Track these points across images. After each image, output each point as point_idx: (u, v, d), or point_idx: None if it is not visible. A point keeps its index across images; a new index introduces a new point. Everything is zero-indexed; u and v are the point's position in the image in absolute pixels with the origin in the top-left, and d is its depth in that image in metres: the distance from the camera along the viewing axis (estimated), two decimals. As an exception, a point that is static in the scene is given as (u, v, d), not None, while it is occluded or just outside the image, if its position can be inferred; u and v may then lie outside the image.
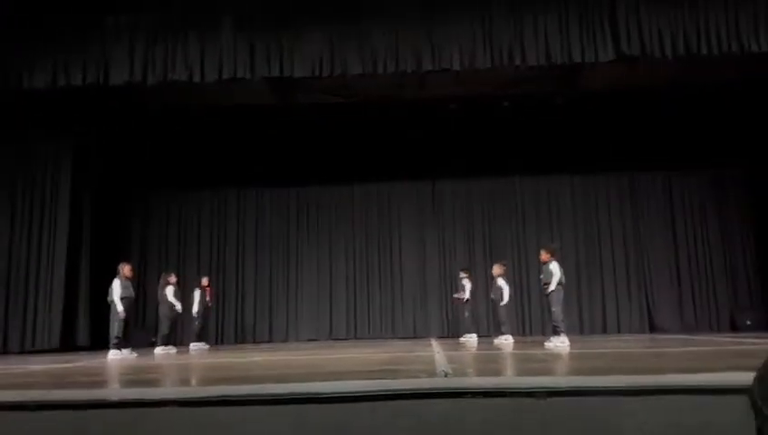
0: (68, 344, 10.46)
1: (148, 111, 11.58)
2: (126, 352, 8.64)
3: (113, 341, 8.61)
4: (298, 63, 8.78)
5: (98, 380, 5.02)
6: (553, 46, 8.60)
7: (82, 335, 10.95)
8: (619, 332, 12.21)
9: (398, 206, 13.35)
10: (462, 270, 11.28)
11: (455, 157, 12.69)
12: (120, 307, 8.74)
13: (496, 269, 10.20)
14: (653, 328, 12.25)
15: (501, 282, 10.01)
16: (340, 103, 11.47)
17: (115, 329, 8.66)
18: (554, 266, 8.23)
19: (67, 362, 7.40)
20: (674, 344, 7.63)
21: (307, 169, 12.94)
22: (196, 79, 8.81)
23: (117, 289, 8.82)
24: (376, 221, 13.31)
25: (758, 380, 0.80)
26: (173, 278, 10.46)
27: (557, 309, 8.13)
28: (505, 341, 9.41)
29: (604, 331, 12.33)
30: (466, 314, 10.83)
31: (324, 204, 13.42)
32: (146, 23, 8.93)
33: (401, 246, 13.15)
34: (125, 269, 9.01)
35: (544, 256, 8.41)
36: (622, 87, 10.95)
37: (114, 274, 9.07)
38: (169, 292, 10.24)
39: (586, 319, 12.55)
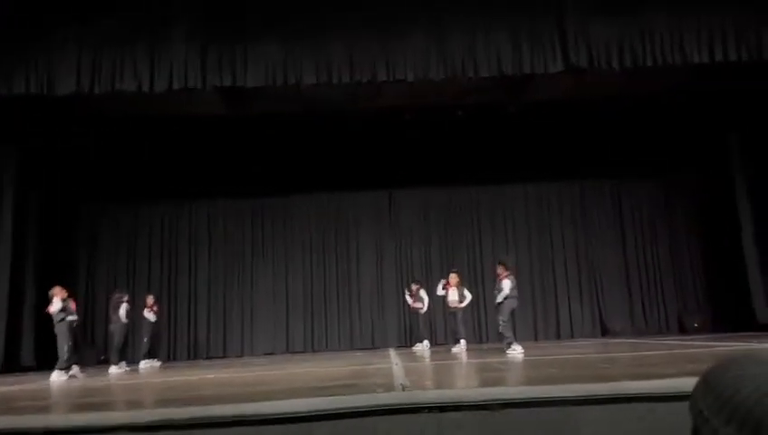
0: (11, 365, 9.97)
1: (96, 121, 11.22)
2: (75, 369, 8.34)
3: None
4: (251, 73, 8.66)
5: (43, 404, 4.79)
6: (504, 58, 8.72)
7: (27, 355, 10.46)
8: (572, 337, 12.42)
9: (354, 216, 13.31)
10: (414, 282, 11.37)
11: (411, 166, 12.72)
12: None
13: (455, 278, 10.27)
14: (605, 332, 12.51)
15: (455, 291, 10.12)
16: (295, 113, 11.37)
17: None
18: (505, 283, 8.44)
19: (12, 384, 7.05)
20: (626, 349, 7.79)
21: (261, 180, 12.76)
22: (145, 89, 8.59)
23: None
24: (332, 232, 13.23)
25: (703, 382, 0.79)
26: (126, 297, 10.17)
27: (504, 320, 8.34)
28: (459, 349, 9.51)
29: (558, 337, 12.53)
30: (421, 323, 10.93)
31: (279, 215, 13.27)
32: (93, 32, 8.66)
33: (358, 256, 13.10)
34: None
35: (500, 271, 8.61)
36: (572, 97, 11.18)
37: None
38: (123, 311, 9.92)
39: (540, 325, 12.74)
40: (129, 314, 10.04)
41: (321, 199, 13.33)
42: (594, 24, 8.56)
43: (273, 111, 11.34)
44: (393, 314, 12.75)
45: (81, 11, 8.63)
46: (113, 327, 9.97)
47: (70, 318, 8.94)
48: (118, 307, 9.95)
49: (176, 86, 8.57)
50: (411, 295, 11.16)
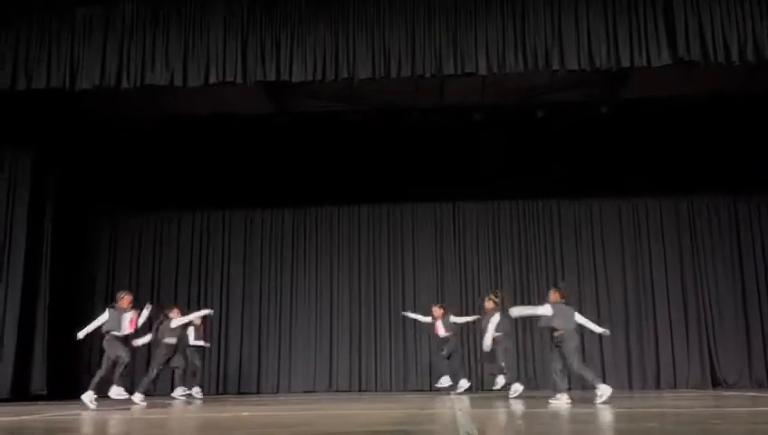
0: (20, 393, 10.48)
1: (121, 121, 11.72)
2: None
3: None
4: (297, 65, 8.92)
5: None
6: (598, 48, 8.71)
7: (38, 381, 10.97)
8: (675, 387, 12.13)
9: (411, 231, 13.42)
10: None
11: (480, 174, 12.78)
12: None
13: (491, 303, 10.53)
14: (716, 383, 12.16)
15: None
16: (345, 112, 11.60)
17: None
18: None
19: (39, 412, 7.44)
20: (742, 403, 7.59)
21: (305, 187, 13.07)
22: (178, 83, 8.97)
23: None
24: (385, 250, 13.38)
25: None
26: (175, 313, 10.50)
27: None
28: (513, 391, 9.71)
29: (657, 386, 12.25)
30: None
31: (325, 229, 13.52)
32: (120, 17, 9.11)
33: (416, 279, 13.15)
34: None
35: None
36: (679, 96, 11.02)
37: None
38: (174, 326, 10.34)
39: (636, 371, 12.48)
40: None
41: (373, 211, 13.51)
42: (708, 9, 8.45)
43: (320, 110, 11.61)
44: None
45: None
46: (158, 350, 10.31)
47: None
48: (165, 326, 10.32)
49: (212, 80, 8.91)
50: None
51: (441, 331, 11.03)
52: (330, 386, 12.68)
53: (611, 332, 12.47)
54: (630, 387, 12.27)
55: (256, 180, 12.99)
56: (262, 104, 11.32)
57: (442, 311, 11.17)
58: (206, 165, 12.85)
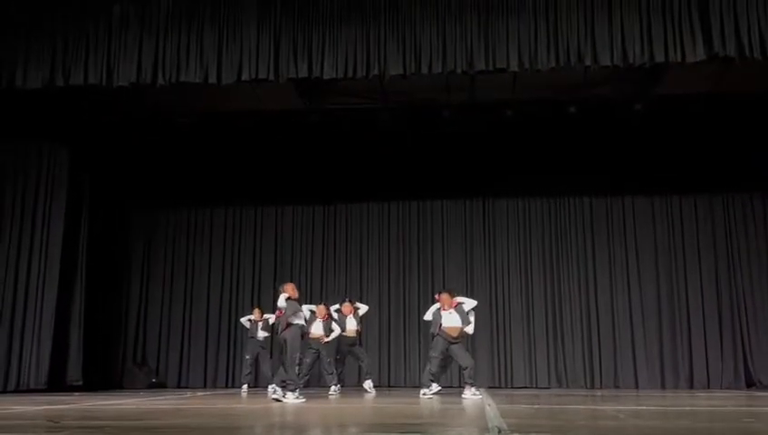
0: (57, 384, 10.76)
1: (154, 118, 11.95)
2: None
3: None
4: (328, 62, 9.02)
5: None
6: (631, 43, 8.66)
7: (74, 372, 11.26)
8: (708, 387, 12.03)
9: (441, 229, 13.48)
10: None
11: (510, 171, 12.79)
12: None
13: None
14: (751, 384, 12.02)
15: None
16: (375, 110, 11.68)
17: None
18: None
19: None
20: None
21: (335, 184, 13.26)
22: (212, 80, 9.12)
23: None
24: (415, 247, 13.48)
25: None
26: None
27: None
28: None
29: (690, 386, 12.16)
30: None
31: (354, 226, 13.67)
32: (156, 14, 9.29)
33: (445, 278, 13.20)
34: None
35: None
36: (714, 93, 10.90)
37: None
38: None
39: (668, 371, 12.39)
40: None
41: (403, 208, 13.60)
42: (744, 3, 8.37)
43: (350, 107, 11.70)
44: (484, 346, 12.74)
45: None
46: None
47: (298, 322, 8.32)
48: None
49: (245, 77, 9.05)
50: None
51: None
52: (358, 382, 12.77)
53: (644, 330, 12.53)
54: (663, 386, 12.21)
55: (287, 177, 13.17)
56: (293, 102, 11.44)
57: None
58: (237, 162, 13.05)
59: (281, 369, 8.23)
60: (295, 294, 8.40)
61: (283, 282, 9.02)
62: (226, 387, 12.76)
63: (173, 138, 12.43)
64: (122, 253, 13.54)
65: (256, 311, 11.67)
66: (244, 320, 11.87)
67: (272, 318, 10.78)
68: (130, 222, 13.78)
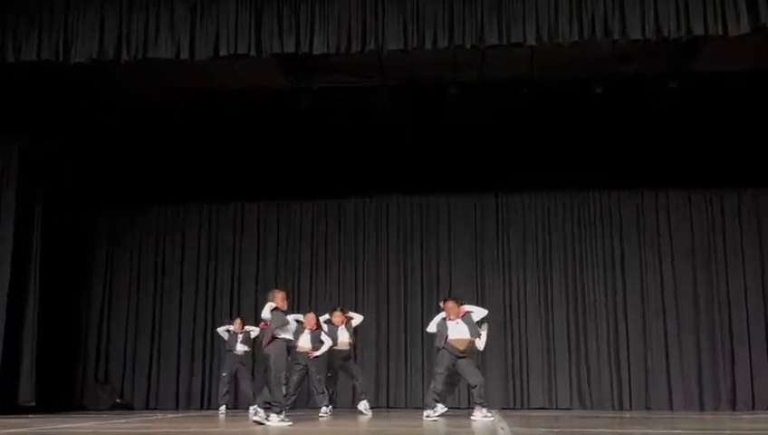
0: (7, 404, 10.72)
1: (118, 100, 11.91)
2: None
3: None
4: (319, 36, 8.98)
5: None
6: (665, 14, 8.63)
7: (26, 391, 11.21)
8: (753, 408, 12.03)
9: (447, 226, 13.56)
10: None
11: (526, 162, 12.78)
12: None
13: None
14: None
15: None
16: (372, 89, 11.65)
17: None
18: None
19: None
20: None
21: (325, 176, 13.29)
22: (185, 56, 9.08)
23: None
24: (417, 249, 13.56)
25: None
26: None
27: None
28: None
29: (733, 407, 12.16)
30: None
31: (348, 224, 13.75)
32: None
33: (452, 282, 13.19)
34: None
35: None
36: (760, 69, 10.88)
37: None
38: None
39: (708, 390, 12.40)
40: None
41: (404, 204, 13.65)
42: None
43: (343, 87, 11.67)
44: (496, 361, 12.73)
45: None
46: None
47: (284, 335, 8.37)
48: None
49: (222, 52, 9.01)
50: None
51: None
52: (353, 402, 12.74)
53: (679, 343, 12.52)
54: (702, 408, 12.26)
55: (271, 168, 13.19)
56: (277, 81, 11.41)
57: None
58: (214, 151, 13.05)
59: (265, 389, 8.22)
60: (284, 306, 8.40)
61: (267, 288, 9.01)
62: (202, 408, 12.74)
63: (141, 123, 12.40)
64: (82, 255, 13.51)
65: (237, 321, 11.67)
66: (221, 330, 11.87)
67: (254, 331, 10.78)
68: (92, 220, 13.74)
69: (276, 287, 9.69)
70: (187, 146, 12.99)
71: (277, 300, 8.30)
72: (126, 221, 13.87)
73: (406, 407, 12.59)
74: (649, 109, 11.99)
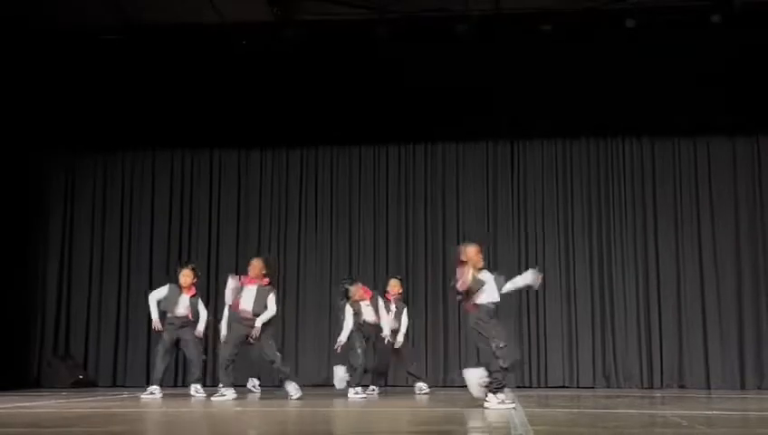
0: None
1: (76, 34, 11.83)
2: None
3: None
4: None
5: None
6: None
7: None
8: (759, 388, 12.20)
9: (455, 177, 13.54)
10: None
11: (547, 104, 12.72)
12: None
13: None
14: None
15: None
16: (370, 22, 11.58)
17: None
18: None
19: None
20: None
21: (316, 120, 13.25)
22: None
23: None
24: (421, 202, 13.58)
25: None
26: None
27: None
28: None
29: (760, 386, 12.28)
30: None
31: (343, 175, 13.72)
32: None
33: (460, 236, 13.11)
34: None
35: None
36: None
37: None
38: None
39: (750, 366, 12.43)
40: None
41: (407, 153, 13.67)
42: None
43: (336, 19, 11.62)
44: (510, 335, 12.76)
45: None
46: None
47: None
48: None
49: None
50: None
51: None
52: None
53: (719, 314, 12.55)
54: (742, 387, 12.27)
55: (253, 111, 13.12)
56: (259, 12, 11.33)
57: None
58: (188, 91, 12.96)
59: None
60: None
61: (249, 252, 9.00)
62: (175, 386, 12.78)
63: (101, 60, 12.33)
64: (35, 214, 13.50)
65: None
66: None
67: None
68: (46, 174, 13.73)
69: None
70: (157, 87, 12.91)
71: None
72: (86, 174, 13.80)
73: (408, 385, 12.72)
74: (686, 43, 11.92)
